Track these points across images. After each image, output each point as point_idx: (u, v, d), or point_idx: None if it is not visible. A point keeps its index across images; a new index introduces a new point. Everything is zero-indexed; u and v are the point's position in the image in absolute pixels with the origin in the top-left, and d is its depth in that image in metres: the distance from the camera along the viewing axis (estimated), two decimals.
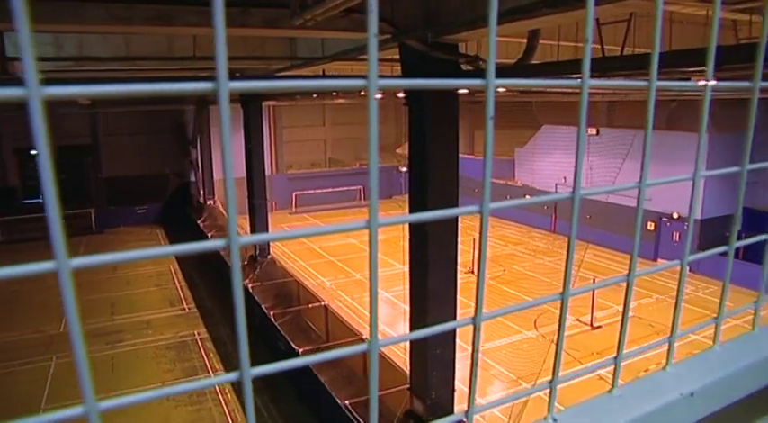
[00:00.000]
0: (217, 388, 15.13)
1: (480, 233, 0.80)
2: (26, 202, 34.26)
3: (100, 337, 18.56)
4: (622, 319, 1.03)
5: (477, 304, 0.80)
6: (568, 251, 0.93)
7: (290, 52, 14.89)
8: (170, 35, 13.87)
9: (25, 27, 0.56)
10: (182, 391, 0.72)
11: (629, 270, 1.08)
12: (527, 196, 33.66)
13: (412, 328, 10.77)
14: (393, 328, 18.40)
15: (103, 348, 17.75)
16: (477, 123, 40.48)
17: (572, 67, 9.14)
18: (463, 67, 10.38)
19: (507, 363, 16.31)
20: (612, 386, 1.02)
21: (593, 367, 1.12)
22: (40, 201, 34.21)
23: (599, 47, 11.12)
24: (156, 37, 14.03)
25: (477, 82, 0.83)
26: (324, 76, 16.41)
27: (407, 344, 12.27)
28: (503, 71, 10.67)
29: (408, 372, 12.09)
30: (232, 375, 0.70)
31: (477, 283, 0.78)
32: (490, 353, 16.84)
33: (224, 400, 14.71)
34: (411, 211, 9.60)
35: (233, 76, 17.47)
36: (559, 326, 0.94)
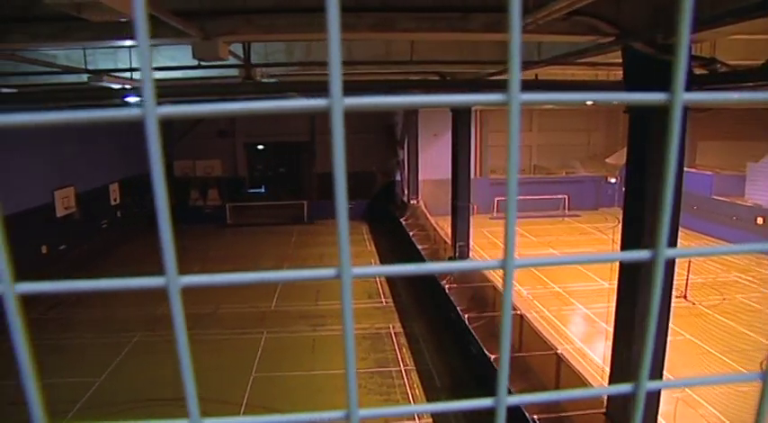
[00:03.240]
0: (406, 382, 15.55)
1: None
2: (251, 191, 38.34)
3: (305, 319, 20.11)
4: None
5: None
6: None
7: (505, 56, 14.72)
8: (387, 40, 14.46)
9: (146, 44, 0.57)
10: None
11: None
12: (759, 218, 29.77)
13: (614, 352, 10.04)
14: (590, 347, 17.41)
15: (306, 330, 19.18)
16: (702, 134, 36.75)
17: None
18: (695, 71, 9.42)
19: (720, 404, 14.47)
20: None
21: None
22: (263, 191, 38.08)
23: None
24: (375, 42, 14.70)
25: None
26: (536, 81, 15.99)
27: (608, 365, 11.49)
28: (746, 73, 9.48)
29: (606, 396, 11.33)
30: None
31: None
32: (699, 389, 15.09)
33: (411, 394, 15.05)
34: (625, 227, 8.93)
35: (444, 79, 17.79)
36: None
